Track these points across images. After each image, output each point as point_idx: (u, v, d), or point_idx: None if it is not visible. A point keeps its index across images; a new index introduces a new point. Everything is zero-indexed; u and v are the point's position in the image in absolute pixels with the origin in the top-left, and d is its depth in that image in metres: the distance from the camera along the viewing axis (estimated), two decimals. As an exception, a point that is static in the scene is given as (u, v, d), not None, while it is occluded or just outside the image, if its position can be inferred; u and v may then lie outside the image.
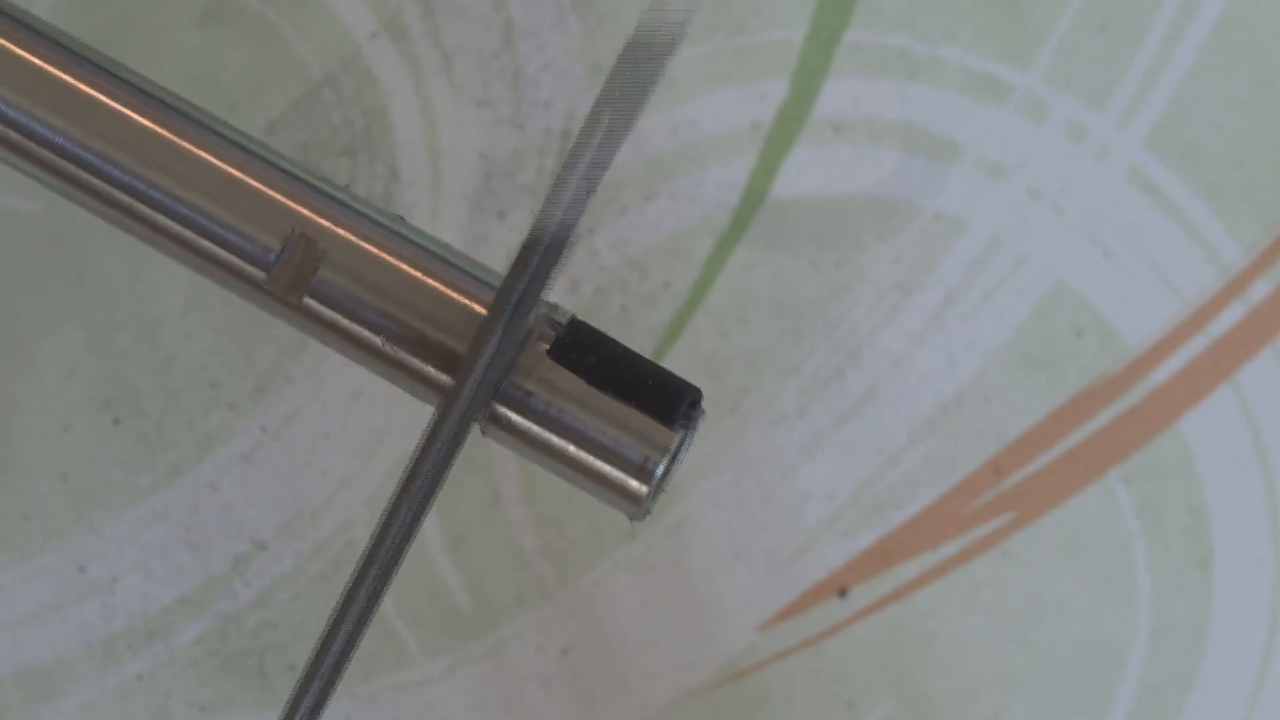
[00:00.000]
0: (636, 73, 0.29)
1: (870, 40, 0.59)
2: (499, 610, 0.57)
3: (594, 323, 0.34)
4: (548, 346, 0.32)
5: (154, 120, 0.33)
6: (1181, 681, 0.57)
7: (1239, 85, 0.58)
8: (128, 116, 0.33)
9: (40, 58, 0.34)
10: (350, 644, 0.31)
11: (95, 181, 0.33)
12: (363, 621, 0.31)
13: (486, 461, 0.57)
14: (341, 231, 0.33)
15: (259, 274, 0.33)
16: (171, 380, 0.57)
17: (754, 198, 0.58)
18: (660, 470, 0.32)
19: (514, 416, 0.33)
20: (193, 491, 0.57)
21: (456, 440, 0.31)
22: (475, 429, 0.33)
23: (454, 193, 0.58)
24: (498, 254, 0.57)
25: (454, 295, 0.33)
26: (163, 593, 0.57)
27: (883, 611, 0.57)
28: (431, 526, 0.57)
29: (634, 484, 0.33)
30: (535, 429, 0.33)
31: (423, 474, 0.31)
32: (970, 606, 0.57)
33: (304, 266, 0.33)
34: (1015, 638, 0.57)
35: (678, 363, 0.57)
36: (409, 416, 0.57)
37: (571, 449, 0.33)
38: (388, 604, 0.56)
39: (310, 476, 0.57)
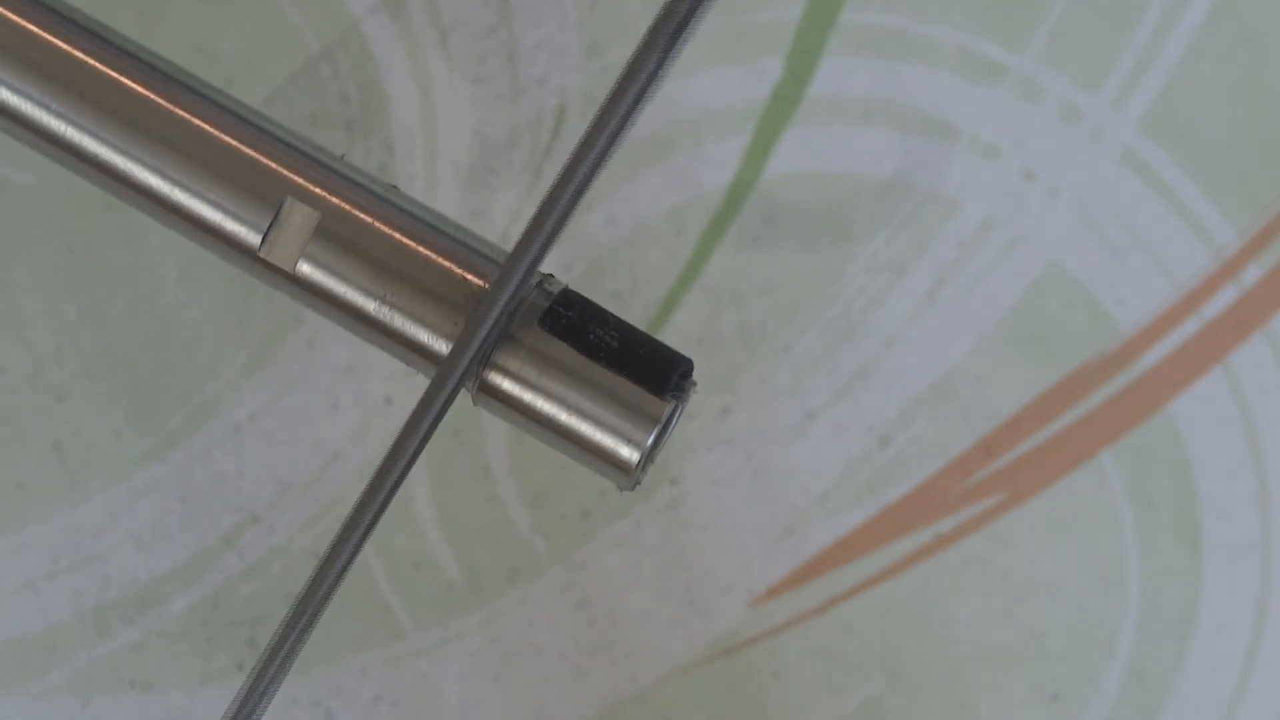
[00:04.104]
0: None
1: (865, 20, 0.59)
2: (490, 584, 0.57)
3: (587, 296, 0.34)
4: (539, 316, 0.33)
5: (149, 87, 0.34)
6: (1170, 662, 0.57)
7: (1233, 69, 0.59)
8: (122, 83, 0.33)
9: (36, 24, 0.34)
10: (327, 597, 0.31)
11: (89, 149, 0.33)
12: (340, 579, 0.31)
13: (477, 436, 0.57)
14: (335, 200, 0.33)
15: (253, 242, 0.33)
16: (165, 351, 0.57)
17: (748, 176, 0.58)
18: (650, 441, 0.32)
19: (505, 385, 0.33)
20: (186, 462, 0.57)
21: (444, 409, 0.32)
22: (467, 399, 0.33)
23: (449, 168, 0.58)
24: (492, 229, 0.57)
25: (447, 264, 0.33)
26: (155, 563, 0.57)
27: (873, 590, 0.57)
28: (424, 500, 0.57)
29: (624, 454, 0.33)
30: (526, 398, 0.33)
31: (414, 440, 0.31)
32: (960, 586, 0.57)
33: (297, 235, 0.33)
34: (1005, 617, 0.57)
35: (671, 339, 0.57)
36: (402, 389, 0.57)
37: (562, 418, 0.33)
38: (380, 577, 0.57)
39: (303, 448, 0.57)
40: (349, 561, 0.31)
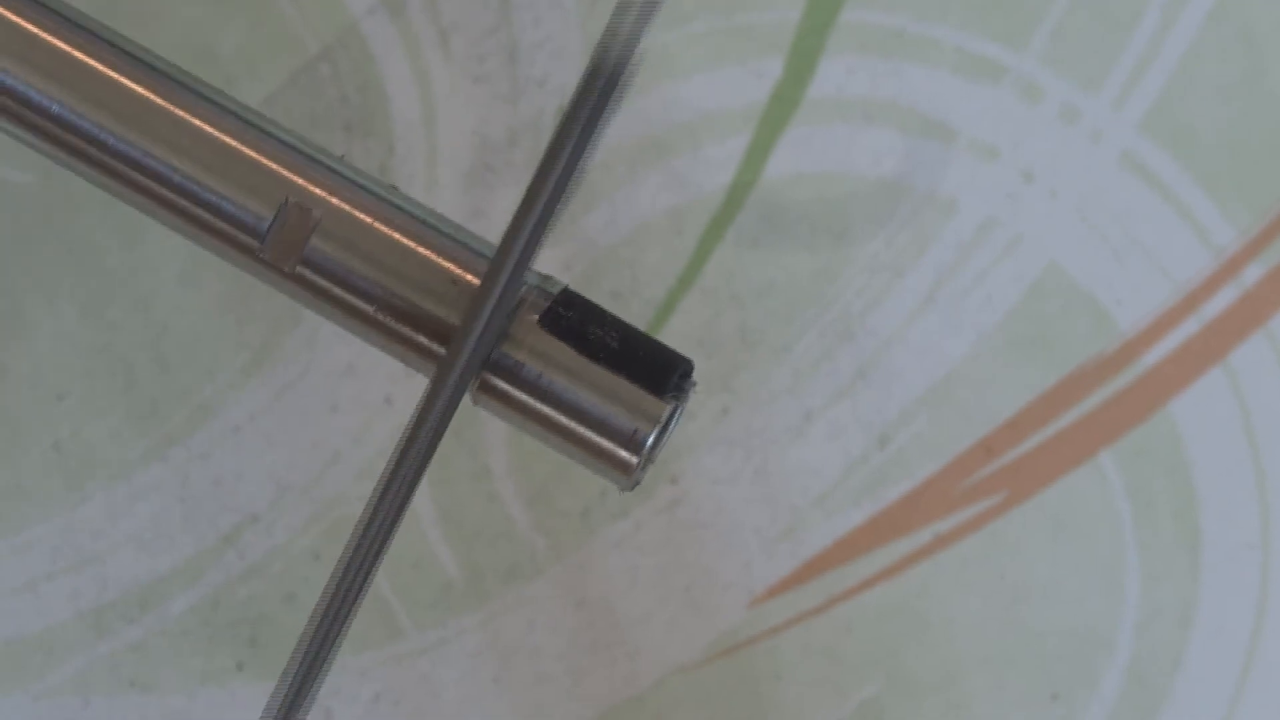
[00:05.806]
0: None
1: (865, 20, 0.59)
2: (490, 584, 0.57)
3: (587, 296, 0.34)
4: (539, 316, 0.33)
5: (149, 88, 0.34)
6: (1169, 663, 0.57)
7: (1233, 69, 0.59)
8: (123, 84, 0.33)
9: (36, 25, 0.34)
10: (346, 614, 0.31)
11: (90, 149, 0.33)
12: (359, 590, 0.31)
13: (476, 435, 0.57)
14: (335, 200, 0.33)
15: (253, 242, 0.33)
16: (165, 352, 0.57)
17: (748, 177, 0.58)
18: (650, 441, 0.32)
19: (505, 386, 0.33)
20: (185, 463, 0.57)
21: (450, 409, 0.31)
22: (466, 399, 0.33)
23: (449, 168, 0.58)
24: (492, 229, 0.57)
25: (446, 264, 0.33)
26: (155, 563, 0.57)
27: (872, 590, 0.57)
28: (423, 500, 0.57)
29: (624, 454, 0.33)
30: (526, 398, 0.33)
31: (419, 441, 0.31)
32: (960, 586, 0.57)
33: (297, 234, 0.33)
34: (1004, 617, 0.57)
35: (671, 340, 0.57)
36: (402, 390, 0.57)
37: (562, 419, 0.33)
38: (380, 577, 0.57)
39: (303, 449, 0.57)
40: (361, 587, 0.30)
